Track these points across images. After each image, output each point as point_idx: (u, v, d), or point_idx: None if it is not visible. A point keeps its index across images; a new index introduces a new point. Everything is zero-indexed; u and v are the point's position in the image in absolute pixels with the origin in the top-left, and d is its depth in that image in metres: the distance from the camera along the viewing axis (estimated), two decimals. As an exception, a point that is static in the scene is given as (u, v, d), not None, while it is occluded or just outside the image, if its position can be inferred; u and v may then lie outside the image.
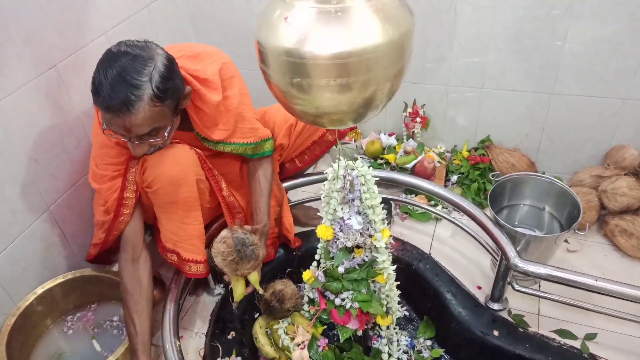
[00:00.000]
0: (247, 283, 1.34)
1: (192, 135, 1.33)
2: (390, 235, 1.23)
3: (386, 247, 1.22)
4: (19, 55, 1.24)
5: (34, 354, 1.40)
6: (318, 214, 1.81)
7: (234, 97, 1.31)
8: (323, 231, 1.26)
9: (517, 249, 1.30)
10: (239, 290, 1.32)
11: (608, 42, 1.55)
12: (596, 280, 1.21)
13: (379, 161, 1.93)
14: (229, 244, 1.24)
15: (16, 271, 1.35)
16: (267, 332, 1.45)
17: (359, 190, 1.18)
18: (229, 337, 1.41)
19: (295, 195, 1.82)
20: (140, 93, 1.06)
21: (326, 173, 1.22)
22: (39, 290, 1.40)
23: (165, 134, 1.18)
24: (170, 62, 1.12)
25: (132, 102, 1.05)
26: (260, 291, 1.34)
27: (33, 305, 1.38)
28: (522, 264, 1.27)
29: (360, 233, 1.22)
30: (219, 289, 1.57)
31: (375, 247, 1.23)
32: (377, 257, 1.24)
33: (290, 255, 1.62)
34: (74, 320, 1.49)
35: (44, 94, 1.33)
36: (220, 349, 1.37)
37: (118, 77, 1.05)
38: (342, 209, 1.22)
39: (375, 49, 0.73)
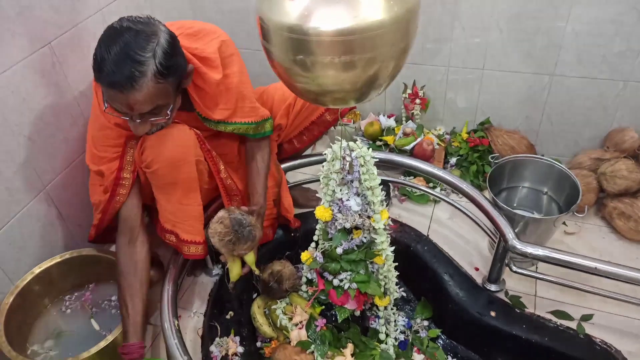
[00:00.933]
0: (244, 264, 1.34)
1: (193, 115, 1.31)
2: (389, 217, 1.23)
3: (385, 229, 1.22)
4: (12, 32, 1.22)
5: (32, 332, 1.40)
6: (317, 195, 1.80)
7: (234, 75, 1.29)
8: (322, 212, 1.26)
9: (515, 231, 1.31)
10: (235, 271, 1.32)
11: (611, 23, 1.53)
12: (594, 262, 1.21)
13: (378, 143, 1.92)
14: (226, 224, 1.23)
15: (14, 251, 1.34)
16: (265, 312, 1.45)
17: (358, 171, 1.17)
18: (227, 317, 1.42)
19: (294, 177, 1.81)
20: (144, 69, 1.04)
21: (325, 154, 1.21)
22: (37, 270, 1.39)
23: (168, 113, 1.16)
24: (173, 39, 1.11)
25: (136, 78, 1.04)
26: (257, 272, 1.35)
27: (31, 284, 1.38)
28: (520, 246, 1.27)
29: (359, 214, 1.22)
30: (217, 270, 1.57)
31: (373, 228, 1.23)
32: (376, 239, 1.24)
33: (289, 237, 1.62)
34: (72, 299, 1.49)
35: (39, 72, 1.31)
36: (219, 328, 1.37)
37: (121, 52, 1.03)
38: (340, 190, 1.22)
39: (381, 25, 0.72)
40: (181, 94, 1.22)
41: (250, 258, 1.31)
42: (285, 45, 0.77)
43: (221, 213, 1.25)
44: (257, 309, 1.44)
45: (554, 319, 1.38)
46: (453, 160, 1.87)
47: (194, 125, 1.32)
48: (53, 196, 1.43)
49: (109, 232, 1.46)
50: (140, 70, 1.04)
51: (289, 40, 0.75)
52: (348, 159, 1.15)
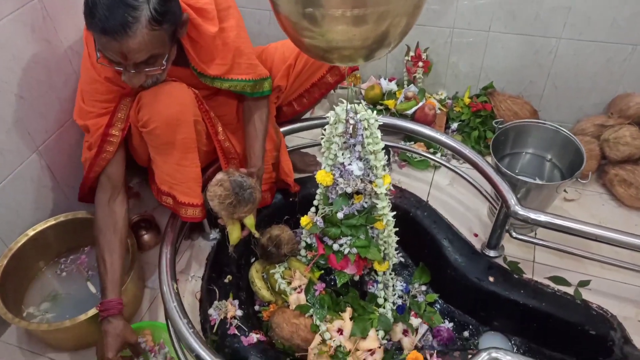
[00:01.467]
0: (243, 227, 1.32)
1: (189, 71, 1.26)
2: (391, 182, 1.21)
3: (386, 194, 1.20)
4: (-1, -18, 1.15)
5: (27, 295, 1.39)
6: (316, 159, 1.77)
7: (230, 29, 1.24)
8: (323, 177, 1.23)
9: (517, 197, 1.29)
10: (235, 234, 1.30)
11: (623, -17, 1.48)
12: (596, 229, 1.21)
13: (379, 107, 1.88)
14: (226, 187, 1.20)
15: (7, 213, 1.31)
16: (263, 276, 1.45)
17: (362, 135, 1.14)
18: (226, 280, 1.41)
19: (292, 142, 1.77)
20: (137, 14, 0.99)
21: (327, 117, 1.18)
22: (31, 232, 1.37)
23: (163, 63, 1.12)
24: None
25: (130, 23, 0.99)
26: (257, 235, 1.33)
27: (25, 247, 1.36)
28: (522, 212, 1.26)
29: (361, 179, 1.20)
30: (214, 234, 1.56)
31: (375, 193, 1.21)
32: (377, 204, 1.22)
33: (287, 201, 1.60)
34: (68, 262, 1.47)
35: (29, 26, 1.25)
36: (217, 292, 1.37)
37: None
38: (342, 154, 1.19)
39: (395, -24, 0.67)
40: (176, 47, 1.17)
41: (250, 221, 1.29)
42: (293, -4, 0.72)
43: (220, 175, 1.22)
44: (255, 273, 1.43)
45: (551, 284, 1.39)
46: (455, 125, 1.84)
47: (190, 83, 1.27)
48: (46, 157, 1.40)
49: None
50: (133, 16, 0.99)
51: (298, -9, 0.71)
52: (352, 121, 1.12)
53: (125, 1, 0.98)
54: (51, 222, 1.41)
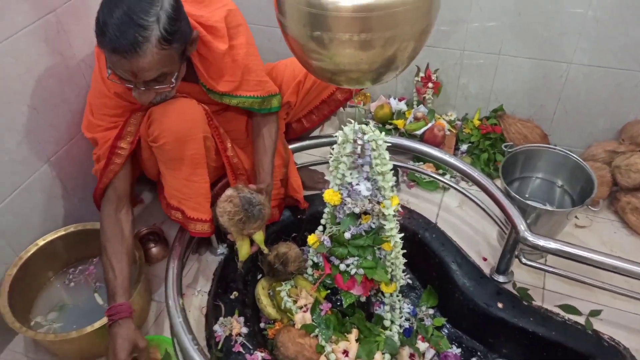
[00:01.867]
0: (252, 243, 1.32)
1: (198, 87, 1.28)
2: (399, 203, 1.20)
3: (394, 215, 1.20)
4: (17, -3, 1.18)
5: (35, 305, 1.40)
6: (325, 177, 1.78)
7: (240, 47, 1.26)
8: (330, 196, 1.23)
9: (527, 222, 1.28)
10: (244, 250, 1.30)
11: (634, 10, 1.48)
12: (608, 258, 1.19)
13: (388, 126, 1.89)
14: (236, 203, 1.21)
15: (18, 222, 1.33)
16: (269, 293, 1.44)
17: (370, 155, 1.14)
18: (232, 296, 1.41)
19: (300, 158, 1.78)
20: (147, 34, 1.01)
21: (336, 136, 1.18)
22: (41, 242, 1.39)
23: (173, 81, 1.13)
24: (177, 3, 1.07)
25: (140, 43, 1.01)
26: (265, 251, 1.33)
27: (35, 257, 1.37)
28: (532, 238, 1.25)
29: (369, 199, 1.20)
30: (222, 249, 1.56)
31: (383, 214, 1.21)
32: (385, 225, 1.22)
33: (295, 219, 1.60)
34: (76, 273, 1.48)
35: (44, 40, 1.28)
36: (223, 308, 1.36)
37: (124, 16, 1.00)
38: (350, 174, 1.19)
39: (403, 2, 0.68)
40: (186, 64, 1.19)
41: (259, 237, 1.29)
42: (302, 19, 0.73)
43: (229, 192, 1.23)
44: (261, 290, 1.43)
45: (561, 313, 1.36)
46: (464, 147, 1.84)
47: (200, 99, 1.29)
48: (57, 168, 1.41)
49: None
50: (144, 36, 1.01)
51: (307, 15, 0.72)
52: (360, 142, 1.12)
53: (136, 21, 1.00)
54: (61, 232, 1.42)
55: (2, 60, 1.19)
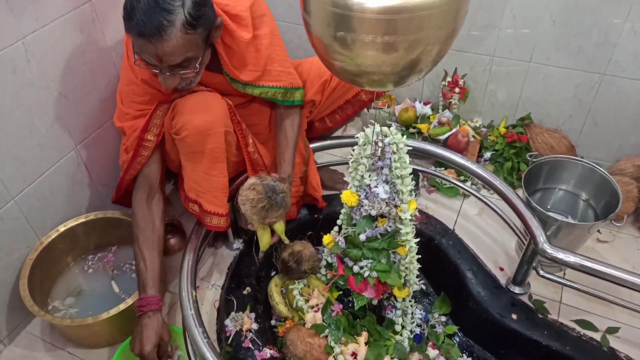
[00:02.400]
0: (272, 233, 1.31)
1: (222, 77, 1.30)
2: (417, 208, 1.19)
3: (411, 220, 1.19)
4: (54, -14, 1.21)
5: (54, 289, 1.43)
6: (344, 178, 1.77)
7: (264, 36, 1.27)
8: (348, 197, 1.23)
9: (547, 234, 1.25)
10: (265, 240, 1.28)
11: (674, 23, 1.44)
12: (629, 275, 1.15)
13: (411, 130, 1.87)
14: (259, 190, 1.20)
15: (42, 206, 1.36)
16: (282, 291, 1.45)
17: (390, 158, 1.13)
18: (245, 292, 1.41)
19: (321, 158, 1.78)
20: (172, 18, 1.04)
21: (357, 137, 1.18)
22: (62, 228, 1.42)
23: (197, 66, 1.15)
24: None
25: (165, 27, 1.04)
26: (286, 241, 1.31)
27: (55, 241, 1.40)
28: (551, 250, 1.22)
29: (386, 202, 1.19)
30: (238, 244, 1.57)
31: (400, 218, 1.20)
32: (401, 229, 1.21)
33: (312, 217, 1.60)
34: (95, 260, 1.51)
35: (79, 28, 1.31)
36: (235, 303, 1.37)
37: (151, 1, 1.03)
38: (369, 176, 1.19)
39: (430, 5, 0.67)
40: (211, 53, 1.21)
41: (280, 227, 1.28)
42: (326, 19, 0.73)
43: (252, 180, 1.22)
44: (274, 287, 1.43)
45: (577, 328, 1.33)
46: (487, 154, 1.81)
47: (224, 89, 1.31)
48: (83, 155, 1.45)
49: (131, 195, 1.47)
50: (169, 20, 1.03)
51: (331, 15, 0.72)
52: (380, 144, 1.12)
53: (162, 5, 1.03)
54: (82, 219, 1.46)
55: (39, 46, 1.22)
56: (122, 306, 1.27)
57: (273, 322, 1.43)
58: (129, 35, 1.10)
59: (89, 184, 1.51)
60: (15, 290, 1.32)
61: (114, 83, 1.47)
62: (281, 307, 1.40)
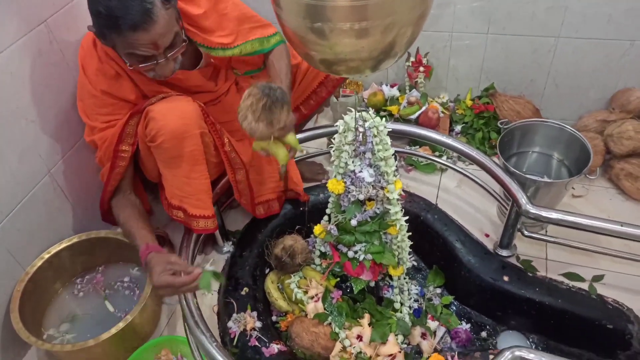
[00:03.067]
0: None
1: (195, 73, 1.33)
2: (402, 187, 1.22)
3: (398, 199, 1.22)
4: (7, 10, 1.17)
5: (46, 317, 1.40)
6: (324, 168, 1.79)
7: (225, 1, 1.31)
8: (334, 185, 1.24)
9: (527, 196, 1.30)
10: (281, 153, 1.21)
11: (617, -20, 1.51)
12: (608, 224, 1.22)
13: (382, 113, 1.90)
14: (255, 92, 1.13)
15: (22, 236, 1.33)
16: (279, 287, 1.46)
17: (372, 142, 1.16)
18: (242, 292, 1.42)
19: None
20: (151, 0, 1.07)
21: (337, 126, 1.19)
22: (46, 255, 1.38)
23: (184, 38, 1.19)
24: None
25: (150, 10, 1.07)
26: (302, 150, 1.27)
27: (41, 270, 1.37)
28: (534, 210, 1.27)
29: (372, 185, 1.21)
30: (227, 247, 1.57)
31: (387, 199, 1.22)
32: (389, 209, 1.24)
33: (298, 211, 1.61)
34: (84, 282, 1.48)
35: (37, 51, 1.27)
36: (235, 304, 1.37)
37: None
38: (353, 162, 1.21)
39: (402, -12, 0.69)
40: (187, 51, 1.24)
41: (293, 138, 1.23)
42: (301, 12, 0.74)
43: (247, 91, 1.15)
44: (271, 284, 1.44)
45: (565, 281, 1.40)
46: (458, 127, 1.86)
47: (193, 86, 1.33)
48: (58, 179, 1.41)
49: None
50: (149, 2, 1.07)
51: (305, 7, 0.73)
52: (361, 129, 1.14)
53: None
54: (65, 243, 1.42)
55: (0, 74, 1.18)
56: (121, 324, 1.25)
57: (274, 318, 1.44)
58: (116, 39, 1.11)
59: (67, 208, 1.47)
60: (7, 324, 1.29)
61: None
62: (280, 302, 1.42)
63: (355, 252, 1.28)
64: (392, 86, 1.96)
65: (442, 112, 1.87)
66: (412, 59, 1.85)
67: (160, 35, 1.10)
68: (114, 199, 1.35)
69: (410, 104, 1.85)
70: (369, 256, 1.27)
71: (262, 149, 1.20)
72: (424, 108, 1.83)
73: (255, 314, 1.35)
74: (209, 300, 1.46)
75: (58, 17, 1.32)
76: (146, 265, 1.17)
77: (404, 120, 1.83)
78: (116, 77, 1.25)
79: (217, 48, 1.30)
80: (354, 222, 1.24)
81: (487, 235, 1.54)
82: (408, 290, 1.43)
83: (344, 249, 1.29)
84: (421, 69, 1.84)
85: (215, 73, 1.40)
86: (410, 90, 1.91)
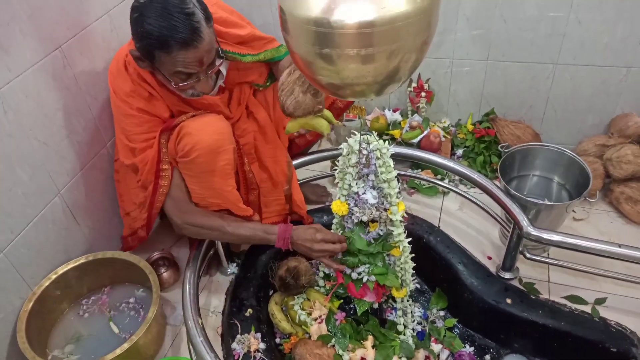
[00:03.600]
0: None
1: (218, 99, 1.35)
2: (405, 209, 1.24)
3: (400, 221, 1.24)
4: (24, 34, 1.22)
5: (51, 338, 1.40)
6: (329, 190, 1.81)
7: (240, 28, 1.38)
8: (338, 206, 1.27)
9: (529, 218, 1.32)
10: (324, 123, 1.22)
11: (614, 9, 1.55)
12: (609, 246, 1.23)
13: (385, 137, 1.93)
14: (291, 72, 1.17)
15: (31, 255, 1.34)
16: (282, 308, 1.46)
17: (375, 164, 1.18)
18: (247, 314, 1.42)
19: (302, 174, 1.81)
20: (198, 18, 1.12)
21: (341, 149, 1.22)
22: (53, 276, 1.40)
23: (221, 54, 1.24)
24: None
25: (198, 28, 1.12)
26: (339, 123, 1.30)
27: (48, 289, 1.38)
28: (535, 232, 1.29)
29: (376, 207, 1.23)
30: (232, 268, 1.58)
31: (390, 220, 1.24)
32: (393, 231, 1.26)
33: (302, 233, 1.63)
34: (89, 303, 1.49)
35: (51, 75, 1.31)
36: (239, 326, 1.38)
37: (171, 14, 1.10)
38: (356, 184, 1.23)
39: (407, 16, 0.73)
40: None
41: (328, 113, 1.24)
42: (309, 39, 0.77)
43: (287, 70, 1.18)
44: (274, 306, 1.45)
45: (568, 303, 1.40)
46: (460, 151, 1.89)
47: (218, 110, 1.36)
48: (67, 200, 1.44)
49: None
50: (196, 20, 1.12)
51: (314, 34, 0.76)
52: (365, 152, 1.16)
53: (184, 12, 1.10)
54: (72, 264, 1.44)
55: (14, 97, 1.22)
56: (126, 345, 1.25)
57: (278, 340, 1.44)
58: (166, 58, 1.14)
59: (75, 228, 1.49)
60: (13, 344, 1.29)
61: (90, 126, 1.47)
62: (284, 324, 1.42)
63: (359, 274, 1.29)
64: (394, 111, 2.00)
65: (444, 136, 1.91)
66: (414, 84, 1.89)
67: (206, 52, 1.16)
68: (183, 217, 1.33)
69: (412, 128, 1.88)
70: (373, 277, 1.28)
71: (301, 126, 1.22)
72: (425, 132, 1.86)
73: (259, 335, 1.36)
74: (213, 322, 1.46)
75: (72, 42, 1.36)
76: (293, 244, 1.31)
77: (406, 144, 1.87)
78: (149, 97, 1.29)
79: (247, 55, 1.36)
80: (362, 242, 1.26)
81: (489, 258, 1.55)
82: (411, 312, 1.44)
83: (348, 271, 1.31)
84: (423, 94, 1.88)
85: (229, 99, 1.44)
86: (412, 115, 1.95)
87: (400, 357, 1.31)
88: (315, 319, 1.38)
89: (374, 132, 1.93)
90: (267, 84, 1.50)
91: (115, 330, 1.42)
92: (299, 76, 1.14)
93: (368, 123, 1.99)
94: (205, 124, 1.25)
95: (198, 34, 1.12)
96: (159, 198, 1.32)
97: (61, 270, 1.42)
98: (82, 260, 1.45)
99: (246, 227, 1.33)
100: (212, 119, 1.27)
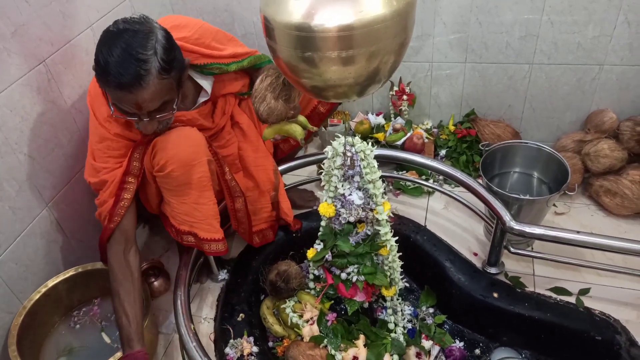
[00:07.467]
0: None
1: (193, 113, 1.35)
2: (391, 208, 1.27)
3: (387, 221, 1.26)
4: (8, 50, 1.23)
5: (43, 350, 1.40)
6: (316, 194, 1.83)
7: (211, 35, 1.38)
8: (325, 208, 1.29)
9: (511, 213, 1.36)
10: (298, 129, 1.23)
11: (584, 10, 1.61)
12: (589, 237, 1.27)
13: (369, 140, 1.96)
14: (272, 72, 1.16)
15: (20, 269, 1.34)
16: (274, 312, 1.48)
17: (359, 165, 1.21)
18: (239, 319, 1.43)
19: (288, 179, 1.84)
20: (148, 67, 1.08)
21: (325, 152, 1.25)
22: (43, 289, 1.39)
23: (174, 107, 1.20)
24: (168, 34, 1.15)
25: (142, 76, 1.08)
26: (314, 129, 1.30)
27: (39, 303, 1.37)
28: (517, 226, 1.32)
29: (362, 208, 1.26)
30: (222, 275, 1.59)
31: (377, 220, 1.27)
32: (380, 230, 1.28)
33: (290, 237, 1.65)
34: (80, 315, 1.49)
35: (36, 89, 1.32)
36: (232, 331, 1.39)
37: (124, 53, 1.06)
38: (342, 185, 1.26)
39: (384, 19, 0.76)
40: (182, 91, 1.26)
41: (303, 118, 1.26)
42: (292, 43, 0.80)
43: (261, 76, 1.17)
44: (266, 310, 1.47)
45: (553, 295, 1.44)
46: (443, 152, 1.93)
47: (198, 124, 1.36)
48: (55, 213, 1.44)
49: None
50: (145, 69, 1.08)
51: (296, 38, 0.79)
52: (349, 154, 1.19)
53: (135, 56, 1.07)
54: (61, 277, 1.43)
55: (0, 112, 1.23)
56: (118, 355, 1.26)
57: (270, 344, 1.45)
58: (105, 89, 1.13)
59: (63, 241, 1.49)
60: (4, 358, 1.28)
61: (76, 138, 1.48)
62: (276, 328, 1.43)
63: (348, 274, 1.31)
64: (377, 114, 2.04)
65: (427, 137, 1.94)
66: (396, 88, 1.93)
67: (145, 100, 1.12)
68: (113, 249, 1.31)
69: (395, 130, 1.92)
70: (362, 277, 1.30)
71: (276, 132, 1.23)
72: (409, 134, 1.90)
73: (252, 339, 1.37)
74: (205, 329, 1.47)
75: (56, 56, 1.37)
76: None
77: (391, 146, 1.90)
78: (126, 122, 1.27)
79: (231, 63, 1.37)
80: (352, 243, 1.28)
81: (475, 254, 1.59)
82: (401, 310, 1.46)
83: (337, 272, 1.33)
84: (404, 97, 1.92)
85: (212, 110, 1.46)
86: (395, 118, 1.98)
87: (391, 355, 1.33)
88: (307, 321, 1.40)
89: (358, 135, 1.98)
90: (250, 91, 1.52)
91: (107, 340, 1.42)
92: (270, 83, 1.15)
93: (352, 127, 2.02)
94: (179, 138, 1.26)
95: (138, 81, 1.08)
96: (119, 211, 1.29)
97: (51, 283, 1.41)
98: (71, 272, 1.45)
99: (123, 318, 1.23)
100: (185, 132, 1.28)
